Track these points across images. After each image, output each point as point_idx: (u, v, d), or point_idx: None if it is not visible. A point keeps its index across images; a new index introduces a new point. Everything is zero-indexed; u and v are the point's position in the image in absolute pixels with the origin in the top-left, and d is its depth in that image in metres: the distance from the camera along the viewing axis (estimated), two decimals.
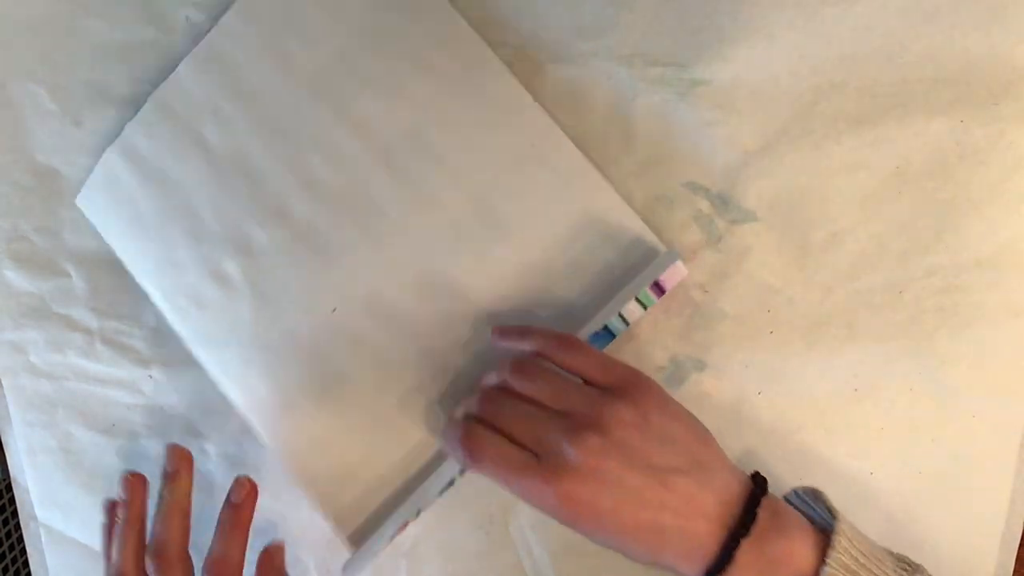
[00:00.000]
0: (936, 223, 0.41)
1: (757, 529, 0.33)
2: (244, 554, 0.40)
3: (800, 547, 0.34)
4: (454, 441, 0.36)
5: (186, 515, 0.40)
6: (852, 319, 0.43)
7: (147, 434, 0.46)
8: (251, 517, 0.41)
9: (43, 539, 0.48)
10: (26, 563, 0.49)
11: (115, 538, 0.40)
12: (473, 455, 0.35)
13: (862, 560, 0.34)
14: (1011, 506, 0.44)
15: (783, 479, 0.45)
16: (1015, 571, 0.45)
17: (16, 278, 0.43)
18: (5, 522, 0.52)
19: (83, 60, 0.40)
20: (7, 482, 0.48)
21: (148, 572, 0.38)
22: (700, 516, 0.33)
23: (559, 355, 0.37)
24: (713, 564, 0.33)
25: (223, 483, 0.46)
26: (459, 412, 0.37)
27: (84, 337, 0.44)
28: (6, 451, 0.47)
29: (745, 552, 0.33)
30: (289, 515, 0.47)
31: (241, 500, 0.41)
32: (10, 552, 0.52)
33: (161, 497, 0.40)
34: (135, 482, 0.41)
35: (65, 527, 0.48)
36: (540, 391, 0.35)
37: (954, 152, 0.40)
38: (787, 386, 0.44)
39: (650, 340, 0.44)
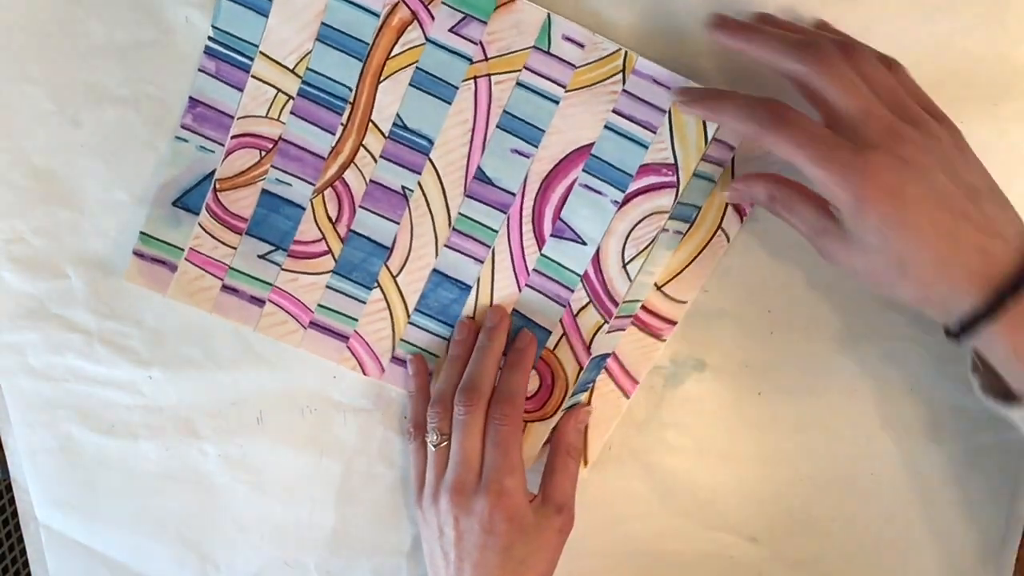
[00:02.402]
0: None
1: None
2: (526, 388, 0.43)
3: None
4: (746, 107, 0.34)
5: (498, 360, 0.42)
6: (852, 319, 0.43)
7: (147, 434, 0.46)
8: (533, 357, 0.43)
9: (43, 539, 0.48)
10: (26, 563, 0.49)
11: (442, 370, 0.44)
12: (776, 116, 0.33)
13: None
14: (1011, 506, 0.44)
15: (782, 478, 0.45)
16: (1015, 571, 0.45)
17: (14, 279, 0.43)
18: (5, 522, 0.52)
19: (81, 60, 0.40)
20: (7, 482, 0.48)
21: (456, 403, 0.41)
22: (999, 238, 0.32)
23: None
24: (1007, 287, 0.31)
25: (223, 483, 0.47)
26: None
27: (83, 338, 0.44)
28: (6, 452, 0.47)
29: None
30: (289, 515, 0.47)
31: (524, 346, 0.43)
32: (10, 552, 0.52)
33: (480, 343, 0.42)
34: (470, 325, 0.43)
35: (65, 527, 0.48)
36: (858, 91, 0.33)
37: None
38: (787, 386, 0.44)
39: None
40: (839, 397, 0.44)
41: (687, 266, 0.42)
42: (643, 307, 0.43)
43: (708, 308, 0.43)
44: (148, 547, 0.48)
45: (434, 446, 0.42)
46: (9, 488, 0.48)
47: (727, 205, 0.41)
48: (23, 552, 0.49)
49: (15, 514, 0.48)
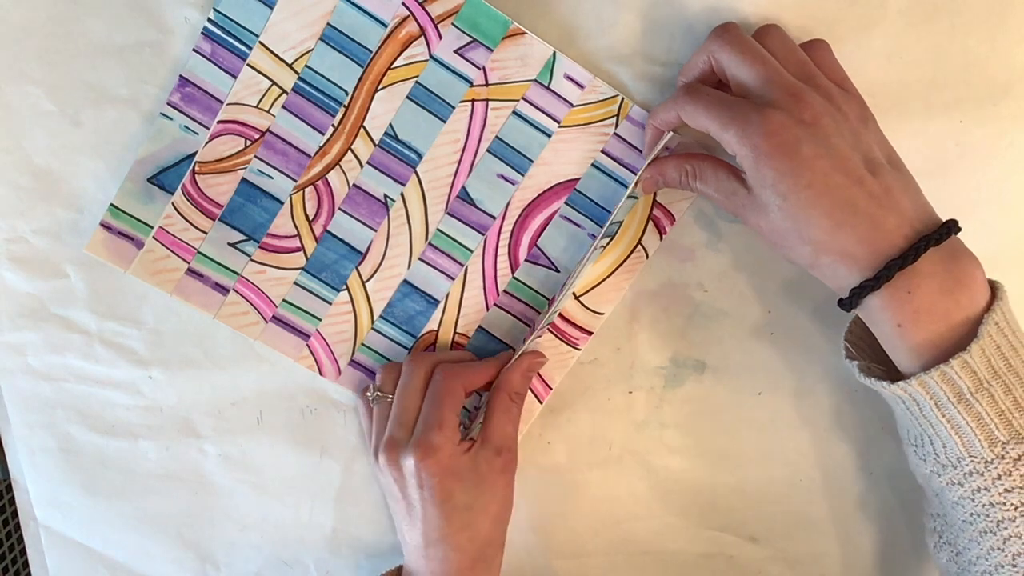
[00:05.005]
0: None
1: (949, 244, 0.32)
2: (489, 375, 0.42)
3: (981, 278, 0.33)
4: (670, 100, 0.37)
5: (469, 356, 0.43)
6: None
7: (146, 434, 0.46)
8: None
9: (43, 539, 0.48)
10: (26, 563, 0.49)
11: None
12: (688, 89, 0.35)
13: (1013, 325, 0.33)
14: None
15: (782, 478, 0.45)
16: None
17: (14, 279, 0.43)
18: (5, 522, 0.52)
19: (81, 60, 0.40)
20: (7, 482, 0.48)
21: (404, 361, 0.43)
22: (893, 211, 0.32)
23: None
24: (895, 257, 0.32)
25: (223, 483, 0.47)
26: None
27: (83, 338, 0.44)
28: (6, 452, 0.47)
29: (931, 259, 0.32)
30: (289, 515, 0.47)
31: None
32: (10, 552, 0.52)
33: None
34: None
35: (65, 527, 0.48)
36: (760, 59, 0.34)
37: (954, 152, 0.40)
38: (787, 386, 0.44)
39: (650, 340, 0.44)
40: (839, 397, 0.44)
41: (605, 279, 0.42)
42: (560, 315, 0.43)
43: (708, 308, 0.43)
44: (148, 547, 0.48)
45: (373, 402, 0.42)
46: (9, 488, 0.48)
47: (647, 222, 0.42)
48: (23, 552, 0.49)
49: (15, 514, 0.48)
